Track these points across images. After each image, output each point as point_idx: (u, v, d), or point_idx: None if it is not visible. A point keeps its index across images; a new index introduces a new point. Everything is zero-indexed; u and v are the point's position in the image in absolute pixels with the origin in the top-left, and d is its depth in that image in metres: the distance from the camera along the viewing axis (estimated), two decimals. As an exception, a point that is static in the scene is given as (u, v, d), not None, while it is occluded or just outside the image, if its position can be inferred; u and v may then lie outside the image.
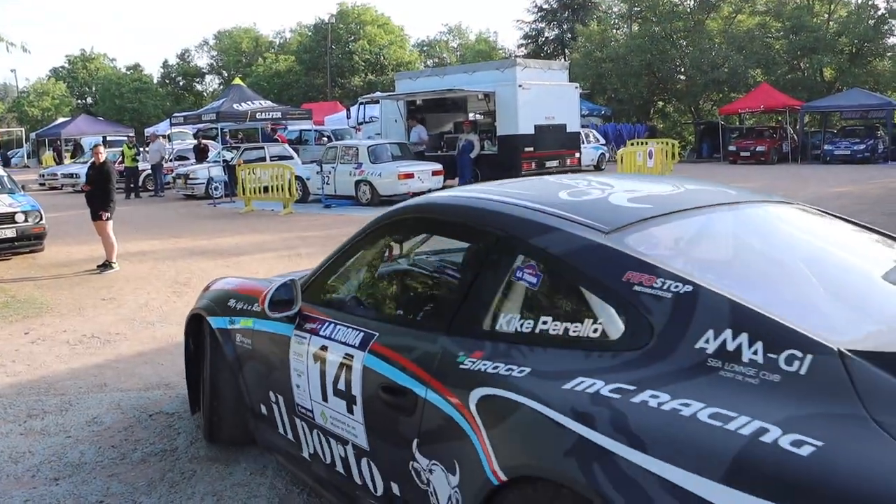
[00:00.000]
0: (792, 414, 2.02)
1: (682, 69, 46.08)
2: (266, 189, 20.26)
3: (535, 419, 2.39)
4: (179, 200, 24.45)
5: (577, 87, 24.70)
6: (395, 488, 3.16)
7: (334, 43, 62.04)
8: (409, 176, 19.05)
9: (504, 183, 3.84)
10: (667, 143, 25.09)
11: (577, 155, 23.65)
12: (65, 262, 13.09)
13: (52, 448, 5.03)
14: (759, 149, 33.49)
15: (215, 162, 25.06)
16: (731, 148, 34.84)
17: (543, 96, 22.15)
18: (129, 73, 70.24)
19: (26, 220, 13.52)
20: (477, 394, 2.65)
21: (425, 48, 76.97)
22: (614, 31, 52.48)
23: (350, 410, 3.34)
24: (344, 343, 3.41)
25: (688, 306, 2.41)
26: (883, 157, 31.65)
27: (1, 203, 13.58)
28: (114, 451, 4.93)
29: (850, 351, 2.10)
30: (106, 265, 12.10)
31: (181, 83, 74.34)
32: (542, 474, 2.36)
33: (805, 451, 1.89)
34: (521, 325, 2.78)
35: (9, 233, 13.34)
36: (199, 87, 75.96)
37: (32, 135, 52.40)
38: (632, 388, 2.28)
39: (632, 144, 26.26)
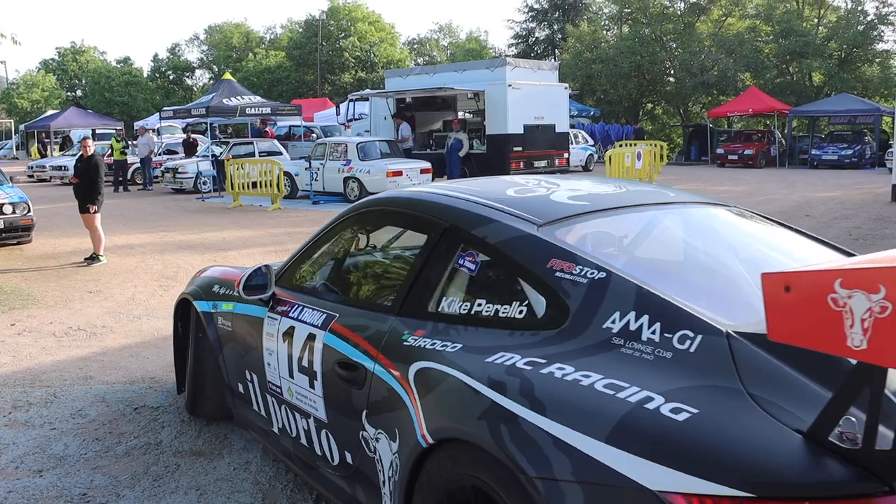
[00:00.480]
0: (678, 386, 2.27)
1: (672, 71, 46.23)
2: (254, 185, 20.21)
3: (459, 388, 2.66)
4: (168, 194, 24.37)
5: (566, 88, 24.76)
6: (349, 457, 3.40)
7: (325, 39, 61.89)
8: (398, 174, 19.04)
9: (463, 181, 4.14)
10: (655, 146, 25.13)
11: (566, 155, 23.70)
12: (52, 254, 13.05)
13: (37, 440, 5.02)
14: (746, 152, 33.63)
15: (204, 156, 25.01)
16: (720, 151, 34.96)
17: (533, 96, 22.19)
18: (119, 66, 69.85)
19: (14, 212, 13.48)
20: (415, 367, 2.92)
21: (415, 46, 76.84)
22: (604, 32, 52.59)
23: (312, 385, 3.61)
24: (309, 324, 3.69)
25: (599, 291, 2.70)
26: (870, 162, 31.81)
27: (-12, 194, 13.56)
28: (98, 443, 4.94)
29: (737, 333, 2.34)
30: (93, 258, 12.07)
31: (171, 77, 73.95)
32: (460, 436, 2.59)
33: (681, 416, 2.13)
34: (460, 307, 3.08)
35: (-4, 224, 13.33)
36: (189, 81, 75.59)
37: (21, 127, 52.08)
38: (543, 361, 2.55)
39: (620, 146, 26.33)
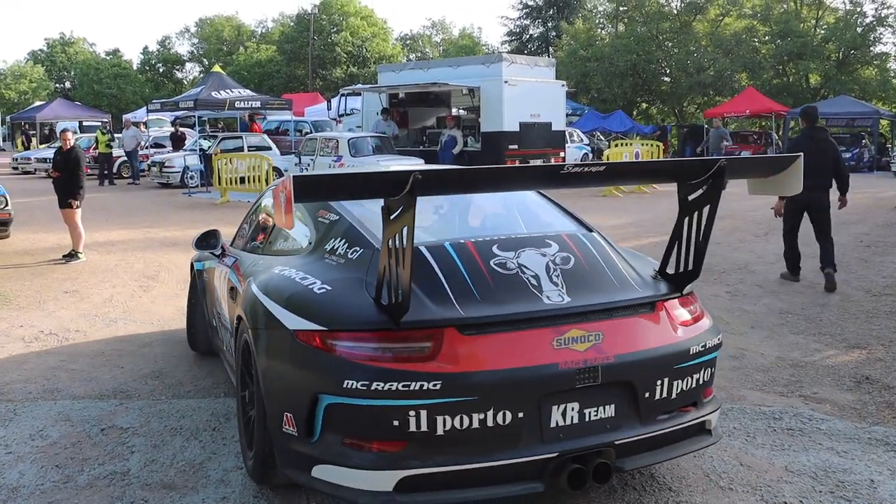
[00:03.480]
0: (334, 277, 3.83)
1: (668, 71, 45.88)
2: (243, 180, 19.69)
3: (249, 286, 4.27)
4: (154, 189, 23.79)
5: (563, 85, 24.22)
6: (231, 344, 4.78)
7: (316, 34, 61.31)
8: (391, 171, 18.46)
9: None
10: (651, 145, 24.69)
11: (562, 154, 23.16)
12: (30, 250, 12.48)
13: (-10, 466, 4.49)
14: (742, 154, 33.19)
15: (192, 150, 24.43)
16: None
17: (529, 93, 21.63)
18: (108, 58, 69.17)
19: (-10, 206, 12.89)
20: (247, 280, 4.45)
21: (408, 42, 76.34)
22: (600, 30, 52.22)
23: (226, 307, 5.18)
24: (227, 266, 5.35)
25: (330, 227, 4.30)
26: (868, 166, 31.43)
27: (-36, 187, 12.97)
28: (57, 471, 4.39)
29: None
30: (72, 255, 11.51)
31: (161, 70, 73.28)
32: (241, 314, 4.23)
33: (320, 291, 3.70)
34: (274, 245, 5.01)
35: (-29, 219, 12.74)
36: (179, 74, 74.95)
37: (8, 118, 51.37)
38: (285, 268, 4.14)
39: (616, 145, 25.87)
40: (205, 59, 70.77)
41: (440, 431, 3.29)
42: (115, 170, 26.30)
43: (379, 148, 19.61)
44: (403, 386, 3.25)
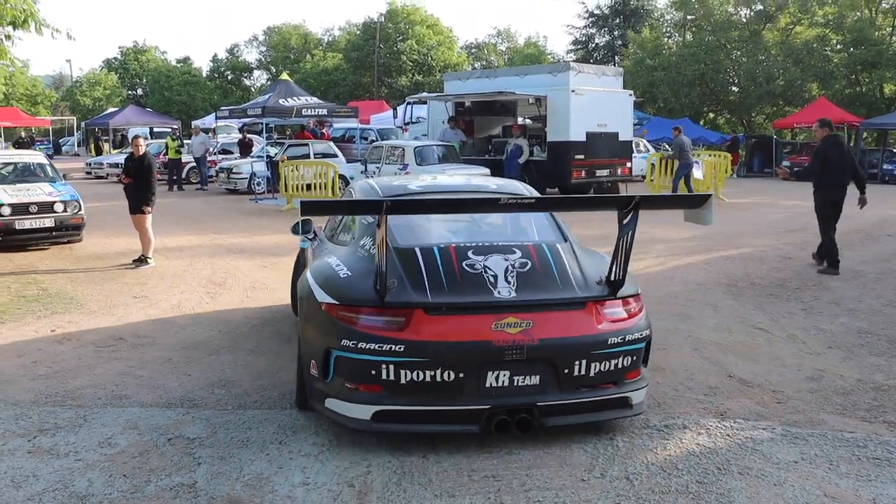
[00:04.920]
0: (357, 266, 5.21)
1: (736, 80, 45.00)
2: (309, 187, 19.78)
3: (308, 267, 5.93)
4: (222, 195, 24.08)
5: (630, 95, 23.86)
6: None
7: (382, 42, 61.61)
8: (456, 179, 18.38)
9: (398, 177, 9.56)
10: (719, 156, 24.15)
11: (629, 164, 22.79)
12: (101, 254, 12.68)
13: (59, 473, 4.50)
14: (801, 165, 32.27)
15: (259, 157, 24.66)
16: (785, 164, 33.65)
17: (596, 103, 21.34)
18: (179, 65, 70.47)
19: (65, 210, 13.15)
20: (314, 260, 6.24)
21: (473, 51, 76.27)
22: (667, 39, 51.51)
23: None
24: (311, 248, 6.97)
25: (367, 228, 5.53)
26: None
27: (41, 192, 13.25)
28: (125, 481, 4.38)
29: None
30: (141, 260, 11.66)
31: (229, 77, 74.37)
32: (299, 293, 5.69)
33: (344, 275, 5.13)
34: (338, 237, 6.29)
35: (48, 222, 13.01)
36: (247, 81, 75.94)
37: (83, 124, 52.62)
38: (332, 256, 5.58)
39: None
40: (272, 67, 71.68)
41: (403, 381, 4.66)
42: (183, 175, 26.69)
43: (445, 157, 19.54)
44: (378, 347, 4.64)
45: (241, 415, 5.47)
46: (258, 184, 23.37)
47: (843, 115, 33.64)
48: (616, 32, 56.29)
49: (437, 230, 5.77)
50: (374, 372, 4.64)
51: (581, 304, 4.93)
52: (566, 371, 4.78)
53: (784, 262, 11.86)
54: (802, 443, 4.97)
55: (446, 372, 4.63)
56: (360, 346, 4.63)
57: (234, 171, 24.40)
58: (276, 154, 23.39)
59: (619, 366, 4.95)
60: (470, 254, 5.08)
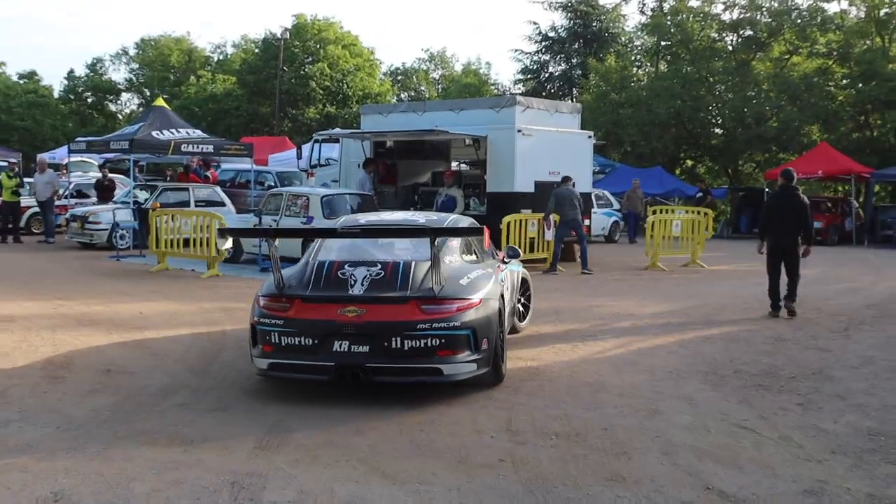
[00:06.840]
0: (296, 269, 9.52)
1: (720, 120, 46.05)
2: (187, 242, 19.64)
3: None
4: (73, 249, 23.75)
5: (590, 137, 24.25)
6: None
7: (287, 64, 61.92)
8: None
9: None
10: (700, 213, 24.62)
11: (587, 222, 22.69)
12: None
13: None
14: (815, 226, 32.97)
15: (124, 203, 24.40)
16: (780, 223, 34.19)
17: (548, 146, 21.63)
18: (21, 82, 69.47)
19: None
20: None
21: (399, 78, 77.24)
22: (636, 69, 52.73)
23: None
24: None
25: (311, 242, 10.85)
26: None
27: None
28: None
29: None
30: (-39, 334, 11.34)
31: (90, 100, 73.94)
32: None
33: (285, 275, 9.05)
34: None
35: None
36: (112, 107, 75.68)
37: None
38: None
39: (654, 212, 25.82)
40: (146, 90, 71.58)
41: (283, 344, 8.54)
42: (22, 224, 26.30)
43: (361, 208, 19.53)
44: (269, 320, 8.63)
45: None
46: (121, 237, 23.08)
47: (849, 165, 34.41)
48: (574, 60, 57.38)
49: (344, 250, 9.60)
50: (268, 337, 8.62)
51: (405, 300, 8.50)
52: (386, 344, 8.34)
53: (776, 345, 12.02)
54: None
55: (308, 339, 8.48)
56: (262, 321, 8.71)
57: (90, 219, 24.18)
58: (146, 200, 23.16)
59: (428, 345, 8.40)
60: (346, 266, 8.87)
